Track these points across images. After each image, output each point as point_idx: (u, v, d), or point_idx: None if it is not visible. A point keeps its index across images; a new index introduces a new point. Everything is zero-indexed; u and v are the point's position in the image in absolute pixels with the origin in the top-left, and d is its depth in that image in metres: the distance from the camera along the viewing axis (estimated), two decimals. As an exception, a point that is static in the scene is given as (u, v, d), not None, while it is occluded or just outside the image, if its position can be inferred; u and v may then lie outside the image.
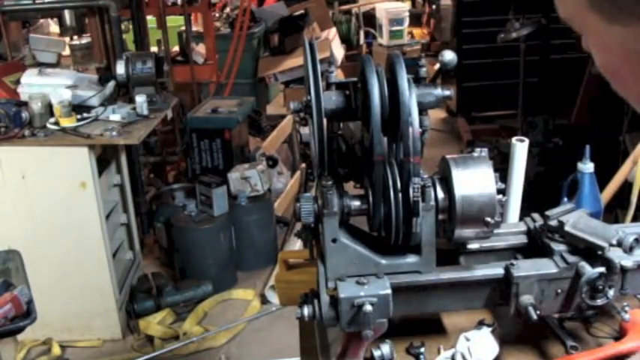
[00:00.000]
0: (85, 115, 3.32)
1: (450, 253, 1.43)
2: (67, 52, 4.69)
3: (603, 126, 4.34)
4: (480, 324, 1.46)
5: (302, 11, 6.84)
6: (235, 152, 4.43)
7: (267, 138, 4.97)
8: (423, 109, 1.28)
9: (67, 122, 3.22)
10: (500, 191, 1.30)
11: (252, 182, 4.09)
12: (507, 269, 1.34)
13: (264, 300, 3.83)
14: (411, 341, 1.45)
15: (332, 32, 7.17)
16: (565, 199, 2.15)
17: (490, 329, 1.42)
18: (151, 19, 4.83)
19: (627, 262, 1.33)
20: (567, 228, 1.38)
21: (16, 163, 3.19)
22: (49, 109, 3.27)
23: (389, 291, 1.26)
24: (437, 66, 6.72)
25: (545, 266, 1.35)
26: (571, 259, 1.34)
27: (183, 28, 5.34)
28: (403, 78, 1.22)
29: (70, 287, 3.39)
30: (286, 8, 6.51)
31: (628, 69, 0.63)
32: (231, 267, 4.05)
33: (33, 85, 3.40)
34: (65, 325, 3.47)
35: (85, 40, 4.46)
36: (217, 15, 6.37)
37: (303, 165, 5.12)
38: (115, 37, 3.94)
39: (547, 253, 1.39)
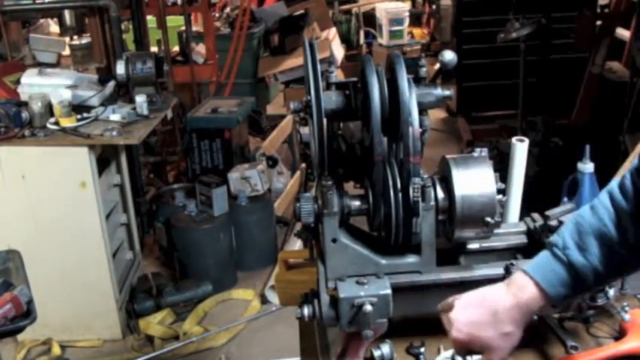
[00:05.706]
0: (85, 115, 3.32)
1: (450, 253, 1.43)
2: (67, 52, 4.69)
3: (603, 126, 4.34)
4: (480, 324, 1.46)
5: (302, 11, 6.84)
6: (235, 152, 4.43)
7: (267, 138, 4.97)
8: (423, 109, 1.28)
9: (67, 122, 3.21)
10: (500, 191, 1.30)
11: (252, 182, 4.09)
12: (507, 269, 1.34)
13: (264, 300, 3.82)
14: (411, 341, 1.45)
15: (332, 32, 7.17)
16: (565, 199, 2.16)
17: (490, 329, 1.42)
18: (151, 19, 4.82)
19: (627, 262, 1.33)
20: (567, 228, 1.38)
21: (16, 163, 3.18)
22: (49, 109, 3.27)
23: (389, 291, 1.26)
24: (437, 66, 6.72)
25: (545, 266, 1.35)
26: (571, 259, 1.34)
27: (183, 28, 5.33)
28: (403, 78, 1.22)
29: (70, 287, 3.39)
30: (286, 8, 6.51)
31: None
32: (231, 267, 4.05)
33: (33, 85, 3.40)
34: (65, 325, 3.46)
35: (85, 40, 4.46)
36: (217, 15, 6.36)
37: (303, 165, 5.11)
38: (115, 37, 3.94)
39: (547, 253, 1.39)
